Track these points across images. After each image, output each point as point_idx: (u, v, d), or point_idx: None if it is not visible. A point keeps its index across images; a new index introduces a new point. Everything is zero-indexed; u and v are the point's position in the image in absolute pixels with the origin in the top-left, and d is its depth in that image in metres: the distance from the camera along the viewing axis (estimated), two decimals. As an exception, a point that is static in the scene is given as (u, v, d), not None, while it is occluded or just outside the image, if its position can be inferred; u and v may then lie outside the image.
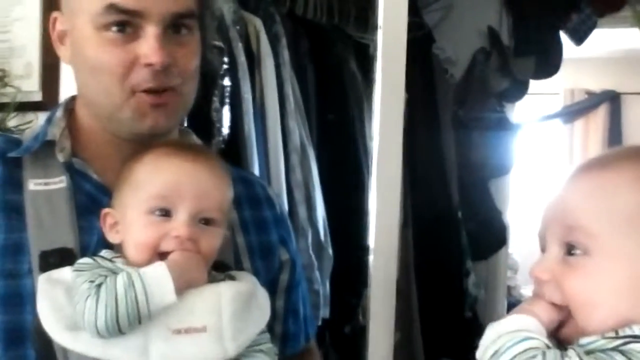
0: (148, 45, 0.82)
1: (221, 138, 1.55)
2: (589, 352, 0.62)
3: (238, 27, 1.63)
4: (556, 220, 0.69)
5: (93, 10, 0.83)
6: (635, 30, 2.81)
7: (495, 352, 0.64)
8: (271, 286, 0.94)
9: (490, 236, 2.72)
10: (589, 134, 5.31)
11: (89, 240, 0.85)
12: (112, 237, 0.84)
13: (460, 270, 2.48)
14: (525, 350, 0.62)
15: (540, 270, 0.69)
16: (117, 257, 0.82)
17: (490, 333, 0.66)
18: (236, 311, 0.80)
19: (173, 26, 0.84)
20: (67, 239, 0.84)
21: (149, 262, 0.80)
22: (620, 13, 2.66)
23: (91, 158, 0.90)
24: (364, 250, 1.94)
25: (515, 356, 0.63)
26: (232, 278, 0.85)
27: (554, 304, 0.68)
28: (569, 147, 5.37)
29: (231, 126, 1.57)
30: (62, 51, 0.91)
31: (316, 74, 1.90)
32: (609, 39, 3.79)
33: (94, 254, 0.84)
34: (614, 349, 0.61)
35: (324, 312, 1.81)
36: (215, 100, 1.54)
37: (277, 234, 1.00)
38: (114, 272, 0.78)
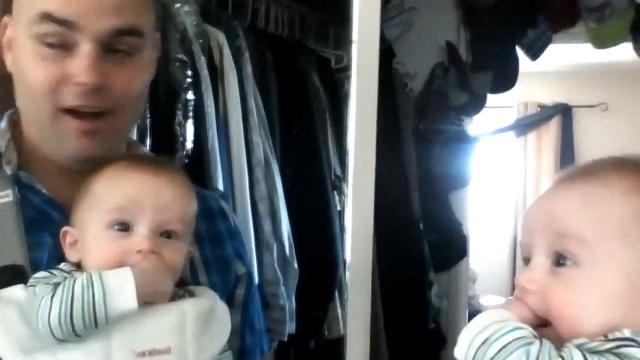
0: (80, 63, 0.77)
1: (184, 152, 1.53)
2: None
3: (201, 41, 1.61)
4: (543, 229, 0.67)
5: (29, 17, 0.78)
6: (587, 45, 2.90)
7: (485, 341, 0.60)
8: (228, 300, 0.92)
9: (451, 247, 2.75)
10: (542, 146, 5.43)
11: (39, 256, 0.82)
12: (72, 256, 0.81)
13: (423, 281, 2.50)
14: (518, 339, 0.60)
15: (527, 280, 0.66)
16: (76, 270, 0.79)
17: (473, 326, 0.62)
18: (199, 329, 0.79)
19: (112, 44, 0.79)
20: (16, 255, 0.80)
21: None
22: (574, 29, 2.75)
23: (39, 171, 0.86)
24: (331, 263, 1.95)
25: (508, 344, 0.60)
26: (192, 294, 0.83)
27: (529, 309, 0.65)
28: (523, 159, 5.48)
29: (194, 140, 1.55)
30: (8, 59, 0.85)
31: (279, 88, 1.90)
32: (561, 53, 3.89)
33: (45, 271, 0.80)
34: (607, 351, 0.59)
35: (290, 327, 1.79)
36: (179, 114, 1.52)
37: (233, 247, 0.98)
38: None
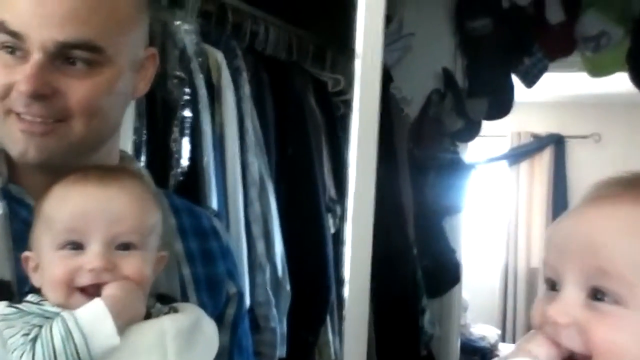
0: (24, 72, 0.77)
1: (180, 169, 1.52)
2: None
3: (200, 59, 1.61)
4: (579, 258, 0.60)
5: None
6: (581, 74, 2.93)
7: None
8: (218, 320, 0.90)
9: (445, 274, 2.74)
10: (534, 176, 5.45)
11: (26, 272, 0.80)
12: (36, 282, 0.78)
13: (416, 307, 2.48)
14: None
15: (559, 313, 0.61)
16: (43, 300, 0.76)
17: None
18: (181, 346, 0.76)
19: (66, 55, 0.78)
20: (2, 270, 0.79)
21: (67, 299, 0.75)
22: (570, 58, 2.77)
23: (28, 184, 0.84)
24: (323, 287, 1.92)
25: None
26: (176, 310, 0.81)
27: (554, 343, 0.61)
28: (515, 189, 5.49)
29: (190, 157, 1.54)
30: None
31: (276, 109, 1.89)
32: (555, 84, 3.93)
33: (31, 288, 0.78)
34: None
35: (281, 351, 1.76)
36: (175, 131, 1.51)
37: (224, 267, 0.97)
38: (46, 318, 0.72)
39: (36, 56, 0.77)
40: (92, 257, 0.75)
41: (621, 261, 0.58)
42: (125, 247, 0.77)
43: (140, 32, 0.86)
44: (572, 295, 0.60)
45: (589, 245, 0.60)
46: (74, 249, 0.76)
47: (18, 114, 0.79)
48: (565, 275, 0.61)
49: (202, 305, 0.88)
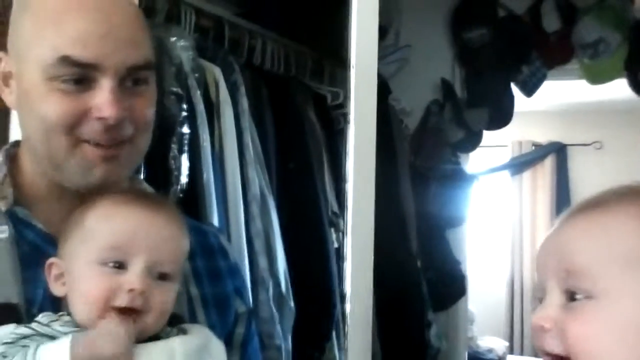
0: (102, 99, 0.79)
1: (179, 186, 1.50)
2: None
3: (197, 75, 1.60)
4: (553, 267, 0.65)
5: (44, 60, 0.79)
6: (580, 82, 2.92)
7: None
8: (227, 340, 0.90)
9: (450, 286, 2.71)
10: (537, 185, 5.44)
11: (34, 294, 0.80)
12: (57, 290, 0.79)
13: (422, 321, 2.46)
14: None
15: (541, 319, 0.64)
16: (54, 320, 0.76)
17: None
18: None
19: (129, 78, 0.81)
20: (10, 293, 0.79)
21: (99, 318, 0.75)
22: (568, 65, 2.77)
23: (35, 206, 0.85)
24: (328, 302, 1.90)
25: None
26: (184, 331, 0.81)
27: (545, 352, 0.63)
28: (518, 199, 5.47)
29: (189, 174, 1.52)
30: (6, 94, 0.87)
31: (275, 123, 1.88)
32: (555, 92, 3.93)
33: (40, 308, 0.78)
34: None
35: (286, 368, 1.74)
36: (174, 148, 1.49)
37: (232, 285, 0.96)
38: (51, 338, 0.72)
39: (110, 82, 0.79)
40: (133, 278, 0.76)
41: (585, 258, 0.63)
42: (162, 276, 0.79)
43: None
44: (553, 300, 0.64)
45: (560, 251, 0.65)
46: (116, 267, 0.77)
47: (90, 143, 0.80)
48: (547, 283, 0.66)
49: (210, 324, 0.88)
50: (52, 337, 0.73)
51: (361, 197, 1.39)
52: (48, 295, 0.80)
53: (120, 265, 0.76)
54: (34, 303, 0.79)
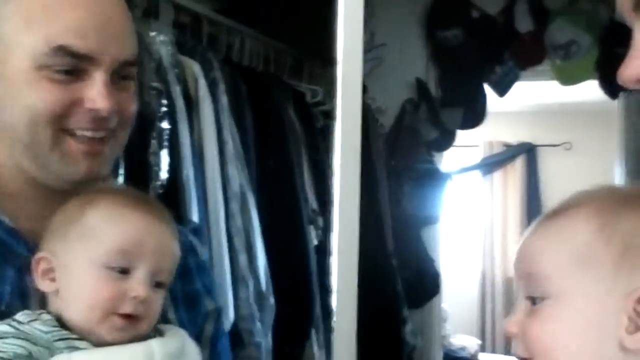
0: (97, 91, 0.78)
1: (159, 182, 1.49)
2: None
3: (176, 71, 1.59)
4: (519, 272, 0.67)
5: (35, 48, 0.77)
6: (551, 83, 2.97)
7: None
8: (197, 338, 0.89)
9: (425, 284, 2.73)
10: (508, 185, 5.51)
11: (1, 291, 0.77)
12: (45, 286, 0.77)
13: (397, 318, 2.47)
14: None
15: (509, 325, 0.66)
16: (34, 320, 0.73)
17: None
18: None
19: (120, 73, 0.82)
20: None
21: (98, 323, 0.74)
22: (540, 66, 2.82)
23: (3, 200, 0.83)
24: (307, 299, 1.90)
25: None
26: (161, 332, 0.80)
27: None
28: (490, 198, 5.54)
29: (169, 170, 1.51)
30: None
31: (255, 121, 1.88)
32: (525, 93, 3.98)
33: (7, 305, 0.76)
34: None
35: (266, 365, 1.73)
36: (154, 143, 1.48)
37: (202, 283, 0.96)
38: (31, 343, 0.70)
39: (104, 74, 0.79)
40: (137, 285, 0.76)
41: (541, 261, 0.64)
42: (158, 284, 0.78)
43: None
44: (521, 306, 0.66)
45: (523, 257, 0.67)
46: (120, 272, 0.76)
47: (74, 134, 0.80)
48: (517, 290, 0.68)
49: (181, 323, 0.88)
50: (31, 338, 0.71)
51: (347, 193, 1.39)
52: (15, 292, 0.78)
53: (124, 271, 0.76)
54: (1, 300, 0.77)
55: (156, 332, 0.79)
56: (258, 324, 1.71)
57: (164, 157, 1.51)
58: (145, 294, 0.75)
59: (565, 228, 0.64)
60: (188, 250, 0.95)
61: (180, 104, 1.58)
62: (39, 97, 0.78)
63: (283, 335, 1.81)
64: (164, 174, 1.50)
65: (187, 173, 1.56)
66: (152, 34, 1.54)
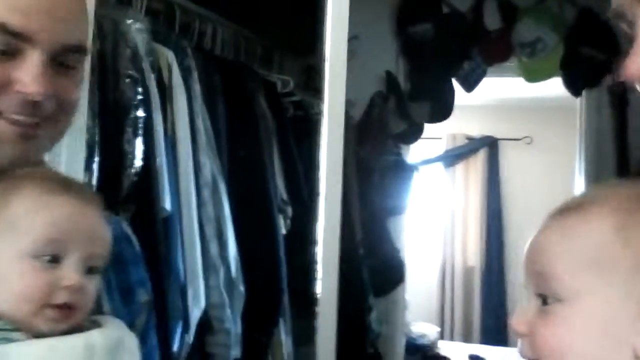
0: (30, 73, 0.75)
1: (133, 170, 1.49)
2: None
3: (151, 59, 1.59)
4: (530, 270, 0.65)
5: None
6: (517, 79, 3.04)
7: None
8: (131, 330, 0.87)
9: (391, 273, 2.79)
10: (469, 177, 5.60)
11: None
12: None
13: (362, 306, 2.51)
14: None
15: (516, 324, 0.64)
16: None
17: None
18: None
19: (60, 57, 0.78)
20: None
21: (33, 315, 0.71)
22: (506, 63, 2.88)
23: None
24: (276, 288, 1.93)
25: None
26: (98, 324, 0.77)
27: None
28: (451, 190, 5.63)
29: (143, 158, 1.52)
30: None
31: (227, 110, 1.89)
32: (489, 88, 4.06)
33: None
34: None
35: (235, 351, 1.76)
36: (129, 131, 1.48)
37: (137, 274, 0.94)
38: None
39: (40, 56, 0.76)
40: (70, 274, 0.72)
41: (554, 261, 0.62)
42: (90, 270, 0.75)
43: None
44: (531, 305, 0.64)
45: (535, 255, 0.65)
46: (50, 261, 0.72)
47: (9, 118, 0.76)
48: (527, 288, 0.65)
49: (117, 314, 0.86)
50: None
51: (331, 183, 1.42)
52: None
53: (55, 259, 0.72)
54: None
55: (94, 324, 0.77)
56: (228, 311, 1.73)
57: (139, 145, 1.51)
58: (78, 282, 0.72)
59: (580, 227, 0.62)
60: (123, 240, 0.93)
61: (154, 91, 1.58)
62: None
63: (252, 322, 1.84)
64: (138, 162, 1.50)
65: (160, 161, 1.57)
66: (129, 21, 1.53)
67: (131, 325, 0.88)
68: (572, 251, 0.62)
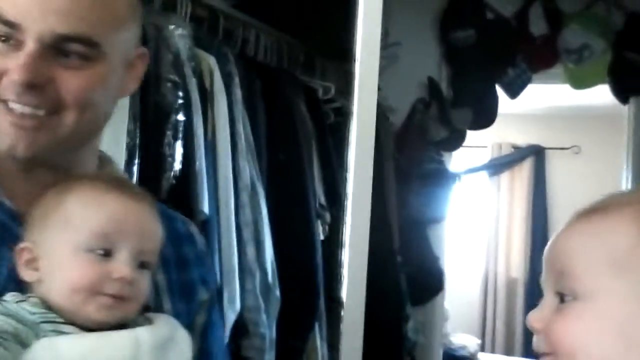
0: (17, 60, 0.76)
1: (172, 173, 1.51)
2: None
3: (192, 64, 1.61)
4: (550, 268, 0.67)
5: None
6: (562, 86, 2.98)
7: None
8: (189, 328, 0.88)
9: (429, 281, 2.76)
10: (515, 187, 5.51)
11: None
12: (28, 275, 0.76)
13: (399, 315, 2.49)
14: None
15: (533, 320, 0.66)
16: (22, 301, 0.74)
17: None
18: (155, 359, 0.75)
19: (61, 48, 0.78)
20: None
21: (84, 304, 0.74)
22: (552, 69, 2.82)
23: (1, 182, 0.82)
24: (312, 293, 1.93)
25: None
26: (150, 321, 0.79)
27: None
28: (496, 199, 5.55)
29: (183, 161, 1.54)
30: None
31: (267, 115, 1.90)
32: (535, 96, 3.99)
33: (3, 287, 0.76)
34: None
35: (270, 356, 1.76)
36: (169, 135, 1.50)
37: (198, 273, 0.95)
38: (21, 323, 0.71)
39: (31, 46, 0.77)
40: (121, 266, 0.75)
41: (574, 260, 0.64)
42: (143, 265, 0.78)
43: (133, 31, 0.87)
44: (547, 302, 0.65)
45: (551, 256, 0.67)
46: (102, 255, 0.75)
47: (7, 106, 0.78)
48: (545, 285, 0.67)
49: (176, 313, 0.87)
50: (17, 316, 0.71)
51: (360, 187, 1.42)
52: (12, 275, 0.77)
53: (107, 253, 0.75)
54: None
55: (146, 321, 0.79)
56: (263, 316, 1.74)
57: (178, 149, 1.53)
58: (129, 275, 0.75)
59: (603, 228, 0.64)
60: (185, 238, 0.95)
61: (195, 96, 1.60)
62: None
63: (287, 327, 1.84)
64: (177, 165, 1.53)
65: (199, 164, 1.59)
66: (171, 27, 1.56)
67: (191, 324, 0.90)
68: (593, 250, 0.63)
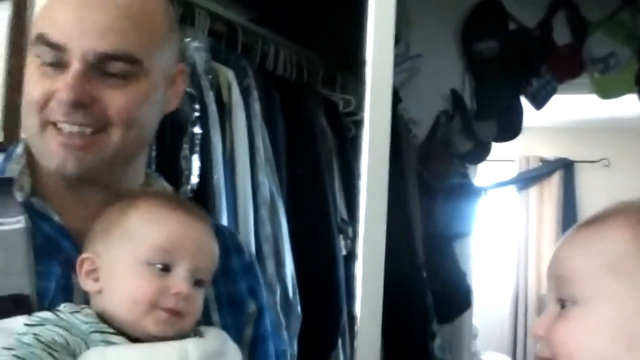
0: (64, 81, 0.79)
1: (190, 186, 1.50)
2: None
3: (210, 77, 1.61)
4: (550, 277, 0.70)
5: (32, 38, 0.83)
6: (590, 99, 2.92)
7: None
8: (238, 341, 0.89)
9: (456, 298, 2.70)
10: (544, 201, 5.42)
11: (46, 287, 0.80)
12: (89, 285, 0.79)
13: (425, 332, 2.44)
14: None
15: (536, 327, 0.69)
16: (77, 312, 0.76)
17: None
18: None
19: (104, 67, 0.81)
20: (22, 284, 0.78)
21: (143, 316, 0.76)
22: (578, 80, 2.77)
23: (51, 198, 0.85)
24: (335, 309, 1.89)
25: None
26: (200, 334, 0.81)
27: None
28: (525, 214, 5.46)
29: (200, 175, 1.53)
30: None
31: (286, 129, 1.89)
32: (563, 108, 3.92)
33: (51, 301, 0.78)
34: None
35: (291, 373, 1.73)
36: (185, 148, 1.50)
37: (246, 284, 0.96)
38: (69, 333, 0.72)
39: (76, 66, 0.79)
40: (179, 282, 0.78)
41: (571, 266, 0.67)
42: (198, 282, 0.80)
43: (173, 48, 0.89)
44: (550, 309, 0.68)
45: (555, 263, 0.70)
46: (162, 269, 0.78)
47: (56, 126, 0.81)
48: (548, 294, 0.70)
49: (225, 326, 0.88)
50: (69, 327, 0.73)
51: (374, 201, 1.39)
52: (60, 289, 0.80)
53: (166, 268, 0.78)
54: (46, 296, 0.79)
55: (195, 333, 0.81)
56: (284, 332, 1.71)
57: (195, 162, 1.52)
58: (186, 290, 0.77)
59: (600, 235, 0.67)
60: (233, 251, 0.96)
61: (212, 109, 1.59)
62: (30, 87, 0.82)
63: (309, 344, 1.81)
64: (194, 179, 1.51)
65: (217, 178, 1.57)
66: (187, 39, 1.56)
67: (240, 336, 0.91)
68: (590, 256, 0.66)
